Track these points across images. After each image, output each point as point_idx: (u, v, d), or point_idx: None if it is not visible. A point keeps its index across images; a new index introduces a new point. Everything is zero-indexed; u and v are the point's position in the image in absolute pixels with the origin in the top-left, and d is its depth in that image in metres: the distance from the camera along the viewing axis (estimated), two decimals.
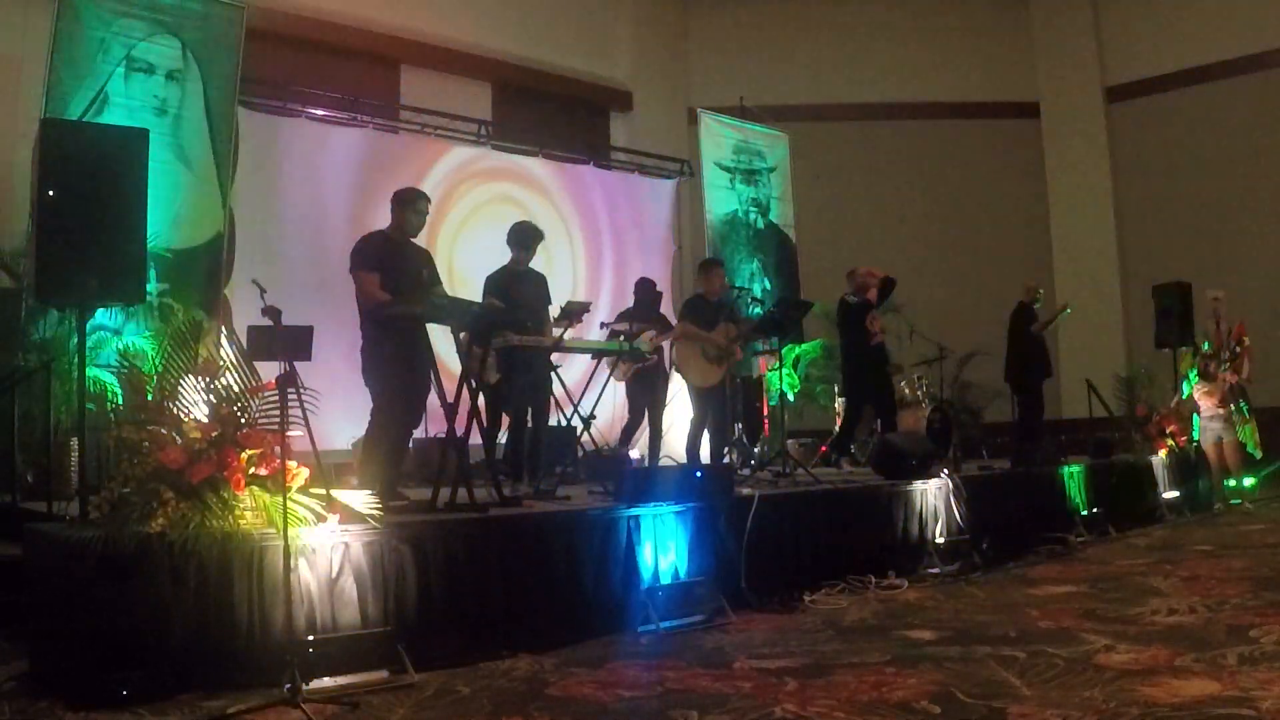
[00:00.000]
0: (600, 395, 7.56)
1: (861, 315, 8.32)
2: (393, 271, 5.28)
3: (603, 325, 8.39)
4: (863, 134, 14.01)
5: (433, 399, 5.42)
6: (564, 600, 4.70)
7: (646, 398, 7.96)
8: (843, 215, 13.35)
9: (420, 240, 5.71)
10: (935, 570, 6.25)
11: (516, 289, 6.29)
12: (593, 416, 7.06)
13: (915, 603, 5.41)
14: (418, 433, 5.86)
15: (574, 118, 12.69)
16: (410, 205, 5.49)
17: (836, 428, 10.29)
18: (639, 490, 5.18)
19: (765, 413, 9.94)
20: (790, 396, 9.98)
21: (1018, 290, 9.84)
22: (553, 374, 6.59)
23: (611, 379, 7.76)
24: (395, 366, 5.22)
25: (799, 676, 3.82)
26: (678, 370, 7.74)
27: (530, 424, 6.49)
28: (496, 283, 6.38)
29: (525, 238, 6.54)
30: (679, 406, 8.34)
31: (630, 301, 8.65)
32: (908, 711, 3.32)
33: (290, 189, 8.81)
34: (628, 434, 8.11)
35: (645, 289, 8.47)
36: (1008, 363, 9.52)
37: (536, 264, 6.76)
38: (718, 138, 11.32)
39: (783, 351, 8.82)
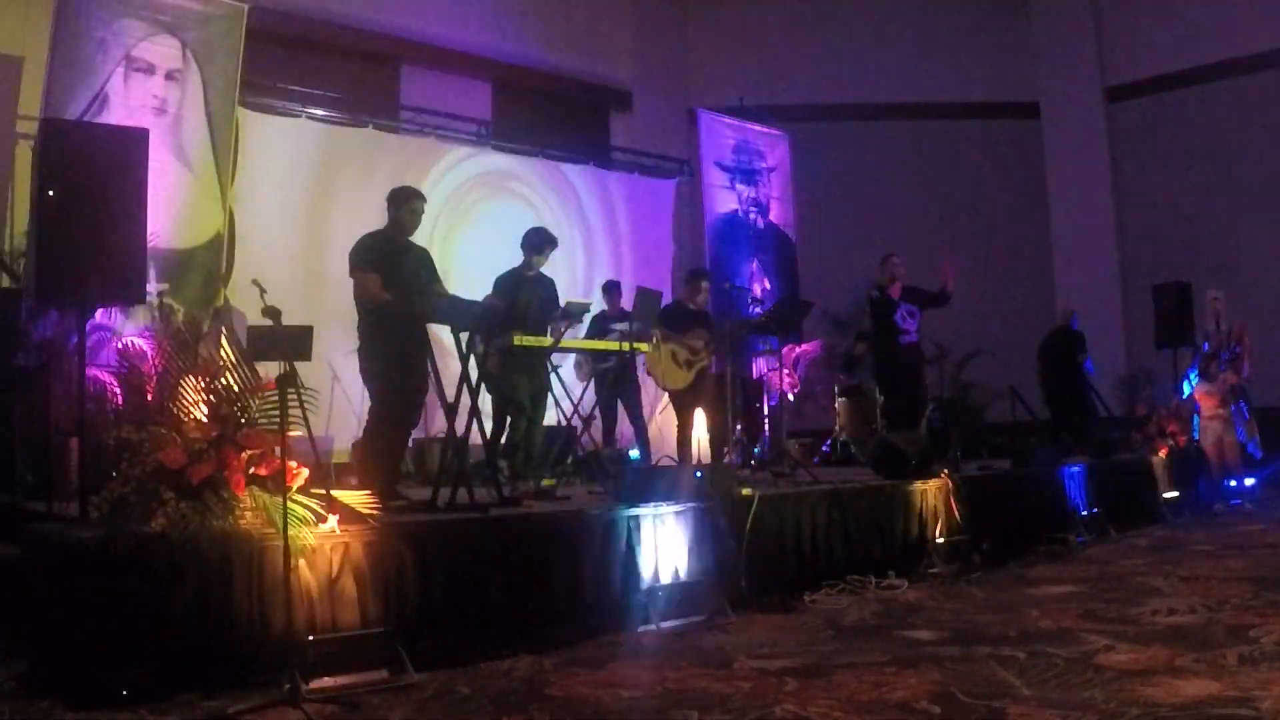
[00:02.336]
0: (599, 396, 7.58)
1: (882, 311, 8.08)
2: (392, 271, 5.28)
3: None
4: (863, 134, 13.99)
5: (433, 398, 5.42)
6: (564, 600, 4.69)
7: (611, 399, 7.96)
8: (843, 215, 13.34)
9: (419, 240, 5.70)
10: (935, 570, 6.24)
11: (525, 292, 6.31)
12: (592, 416, 7.07)
13: (915, 603, 5.41)
14: (417, 432, 5.85)
15: (574, 118, 12.68)
16: (406, 204, 5.50)
17: (837, 427, 10.31)
18: (639, 490, 5.18)
19: (765, 413, 9.94)
20: (790, 396, 9.97)
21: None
22: (553, 374, 6.60)
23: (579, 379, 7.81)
24: (394, 366, 5.22)
25: (799, 676, 3.82)
26: (648, 374, 7.73)
27: (526, 423, 6.49)
28: (505, 284, 6.40)
29: (539, 243, 6.55)
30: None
31: (627, 304, 8.63)
32: (908, 711, 3.32)
33: (290, 189, 8.79)
34: (606, 433, 8.15)
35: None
36: (1056, 396, 9.31)
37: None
38: (718, 138, 11.31)
39: (782, 351, 8.82)
